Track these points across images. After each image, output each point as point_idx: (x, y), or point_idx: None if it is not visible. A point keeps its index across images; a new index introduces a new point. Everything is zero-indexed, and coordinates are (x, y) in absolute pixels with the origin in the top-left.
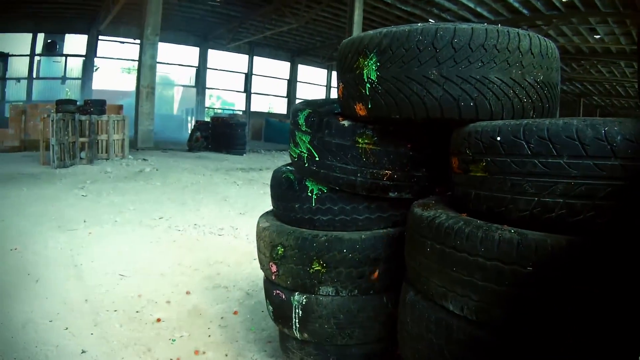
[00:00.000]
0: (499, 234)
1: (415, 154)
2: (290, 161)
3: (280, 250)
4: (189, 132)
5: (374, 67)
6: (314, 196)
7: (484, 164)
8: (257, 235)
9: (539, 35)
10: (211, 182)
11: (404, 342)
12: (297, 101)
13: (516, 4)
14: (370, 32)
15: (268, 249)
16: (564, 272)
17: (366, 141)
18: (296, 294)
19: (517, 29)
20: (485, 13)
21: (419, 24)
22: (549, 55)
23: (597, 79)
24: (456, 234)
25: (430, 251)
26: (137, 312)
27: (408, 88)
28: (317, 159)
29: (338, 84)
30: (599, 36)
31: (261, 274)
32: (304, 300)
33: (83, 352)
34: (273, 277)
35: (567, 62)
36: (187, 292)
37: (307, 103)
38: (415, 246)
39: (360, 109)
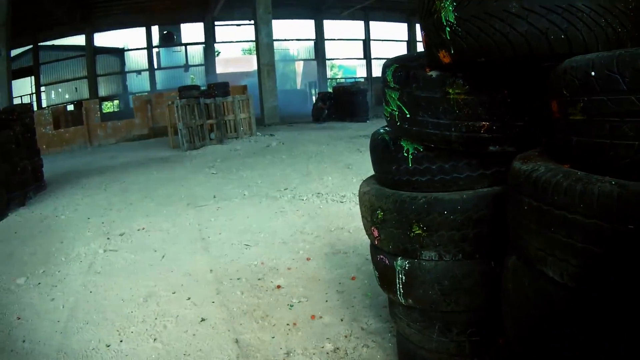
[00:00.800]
0: (599, 186)
1: (514, 100)
2: None
3: (380, 214)
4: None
5: (450, 8)
6: (410, 156)
7: (582, 104)
8: (359, 200)
9: None
10: (334, 151)
11: (505, 312)
12: None
13: None
14: None
15: (369, 213)
16: None
17: (457, 91)
18: (399, 259)
19: None
20: None
21: None
22: None
23: None
24: (554, 189)
25: (528, 209)
26: (258, 279)
27: (489, 26)
28: (408, 115)
29: (421, 33)
30: None
31: None
32: (407, 266)
33: (202, 320)
34: (376, 242)
35: None
36: (307, 259)
37: (397, 58)
38: (514, 204)
39: (444, 56)
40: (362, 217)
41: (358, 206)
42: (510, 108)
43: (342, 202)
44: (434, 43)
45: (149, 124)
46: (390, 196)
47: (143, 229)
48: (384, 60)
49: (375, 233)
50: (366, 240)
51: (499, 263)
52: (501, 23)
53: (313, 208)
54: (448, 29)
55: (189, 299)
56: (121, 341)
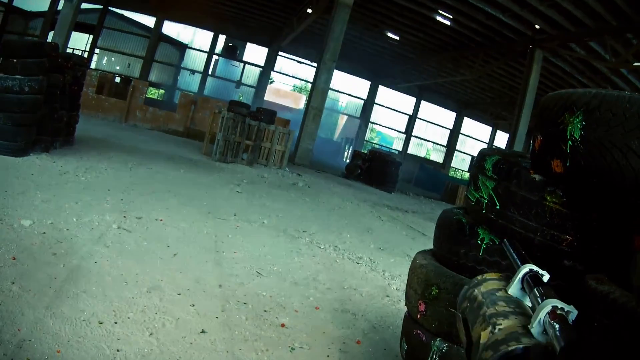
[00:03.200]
0: None
1: (601, 224)
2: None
3: (435, 291)
4: (345, 159)
5: (579, 126)
6: (484, 245)
7: None
8: (411, 271)
9: None
10: (357, 212)
11: None
12: (457, 153)
13: None
14: (579, 90)
15: (421, 287)
16: None
17: (554, 200)
18: (438, 339)
19: None
20: None
21: (626, 92)
22: None
23: None
24: (627, 313)
25: (598, 325)
26: (264, 311)
27: (610, 154)
28: (497, 207)
29: (534, 137)
30: None
31: (392, 311)
32: (445, 348)
33: (203, 332)
34: (418, 316)
35: None
36: (317, 308)
37: (497, 150)
38: (584, 319)
39: (557, 166)
40: (410, 287)
41: (373, 272)
42: (594, 230)
43: (358, 263)
44: (550, 151)
45: (187, 124)
46: (451, 277)
47: (161, 220)
48: (427, 142)
49: (422, 307)
50: (377, 308)
51: None
52: (620, 154)
53: (329, 260)
54: (570, 143)
55: (193, 305)
56: (115, 323)
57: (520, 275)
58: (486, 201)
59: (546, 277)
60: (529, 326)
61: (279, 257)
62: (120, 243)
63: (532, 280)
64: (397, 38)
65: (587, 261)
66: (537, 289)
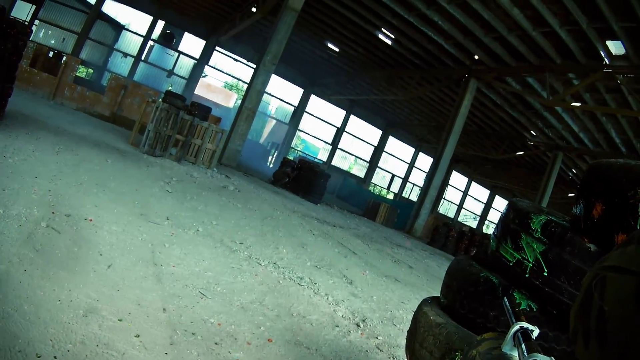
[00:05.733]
0: None
1: None
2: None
3: (458, 358)
4: (269, 164)
5: None
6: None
7: None
8: (423, 328)
9: None
10: (289, 223)
11: None
12: (378, 170)
13: (617, 140)
14: None
15: (440, 350)
16: None
17: None
18: None
19: None
20: (585, 140)
21: None
22: None
23: None
24: None
25: None
26: (215, 343)
27: None
28: (545, 274)
29: (590, 202)
30: None
31: (344, 345)
32: None
33: None
34: None
35: None
36: (269, 340)
37: (535, 207)
38: None
39: (622, 239)
40: (422, 347)
41: (317, 296)
42: None
43: (300, 284)
44: (614, 223)
45: (115, 109)
46: None
47: (91, 220)
48: (351, 156)
49: None
50: (329, 340)
51: None
52: None
53: (272, 280)
54: None
55: (138, 336)
56: (55, 357)
57: (512, 332)
58: (531, 264)
59: (535, 333)
60: None
61: (221, 275)
62: (50, 247)
63: (522, 336)
64: (337, 50)
65: None
66: (524, 345)
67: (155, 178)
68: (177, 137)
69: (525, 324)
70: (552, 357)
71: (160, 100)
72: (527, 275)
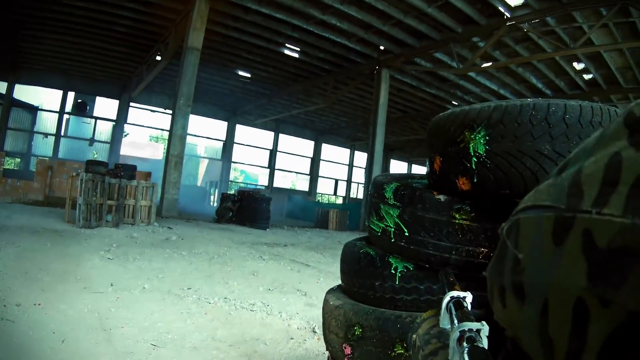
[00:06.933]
0: None
1: None
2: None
3: (358, 330)
4: (212, 203)
5: (482, 141)
6: (399, 274)
7: None
8: (327, 314)
9: None
10: (237, 255)
11: None
12: (320, 179)
13: (539, 85)
14: (476, 105)
15: (342, 329)
16: None
17: (463, 217)
18: None
19: (613, 107)
20: (508, 94)
21: (528, 99)
22: None
23: None
24: None
25: None
26: None
27: (520, 163)
28: (406, 234)
29: (431, 158)
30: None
31: (300, 354)
32: None
33: None
34: None
35: None
36: None
37: (392, 176)
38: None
39: (464, 183)
40: (330, 332)
41: (270, 316)
42: None
43: (252, 310)
44: (453, 170)
45: (46, 192)
46: (372, 313)
47: (39, 304)
48: (291, 173)
49: (348, 351)
50: (285, 354)
51: None
52: (532, 162)
53: (222, 313)
54: (475, 159)
55: None
56: None
57: (444, 305)
58: (394, 230)
59: (469, 298)
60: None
61: (171, 323)
62: (8, 336)
63: (455, 306)
64: (248, 75)
65: None
66: (455, 315)
67: (94, 249)
68: (109, 202)
69: (456, 293)
70: (483, 322)
71: (83, 171)
72: (392, 240)
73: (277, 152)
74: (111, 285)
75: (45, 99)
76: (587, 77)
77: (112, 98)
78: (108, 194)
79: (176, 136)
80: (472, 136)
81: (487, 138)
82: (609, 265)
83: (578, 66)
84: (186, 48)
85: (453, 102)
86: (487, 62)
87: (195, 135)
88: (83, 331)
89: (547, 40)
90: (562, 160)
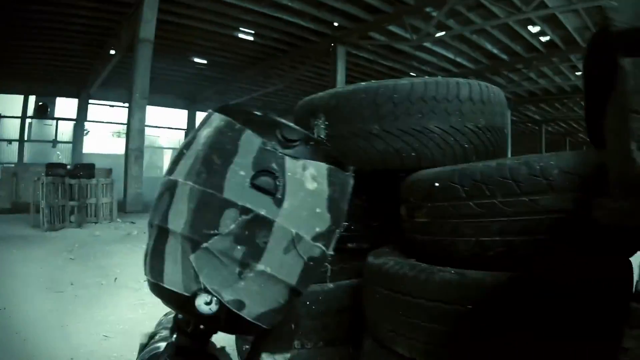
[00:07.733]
0: (440, 275)
1: (371, 205)
2: None
3: None
4: None
5: (322, 127)
6: None
7: (426, 209)
8: None
9: (481, 82)
10: None
11: None
12: None
13: (495, 50)
14: (320, 92)
15: None
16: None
17: None
18: None
19: (457, 79)
20: (465, 62)
21: (362, 83)
22: (492, 101)
23: (581, 117)
24: (401, 278)
25: (380, 297)
26: None
27: (353, 144)
28: None
29: None
30: (580, 73)
31: None
32: None
33: None
34: None
35: (550, 102)
36: None
37: None
38: (368, 293)
39: None
40: None
41: None
42: (367, 211)
43: None
44: None
45: (12, 198)
46: None
47: (4, 308)
48: None
49: None
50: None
51: (356, 348)
52: (364, 142)
53: None
54: None
55: None
56: None
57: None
58: None
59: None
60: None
61: (123, 315)
62: None
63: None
64: (204, 62)
65: (371, 239)
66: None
67: (58, 251)
68: (71, 203)
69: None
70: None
71: (43, 175)
72: None
73: None
74: (71, 284)
75: (6, 105)
76: (544, 39)
77: (71, 97)
78: (69, 195)
79: (134, 130)
80: (315, 122)
81: (327, 123)
82: None
83: (533, 29)
84: (138, 41)
85: (411, 73)
86: (440, 32)
87: (155, 127)
88: (43, 330)
89: (499, 6)
90: (391, 138)
